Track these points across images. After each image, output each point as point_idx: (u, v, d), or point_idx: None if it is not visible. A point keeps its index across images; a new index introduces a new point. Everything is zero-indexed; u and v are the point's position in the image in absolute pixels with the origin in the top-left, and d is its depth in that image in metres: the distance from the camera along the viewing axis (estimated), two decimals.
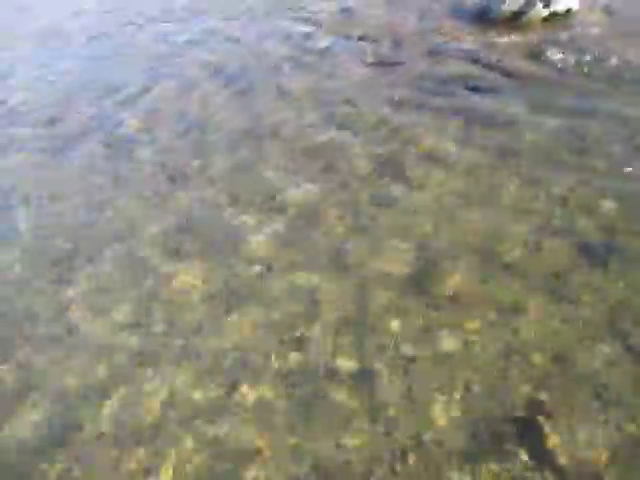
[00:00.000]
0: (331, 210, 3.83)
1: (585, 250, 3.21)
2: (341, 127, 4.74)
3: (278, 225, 3.77)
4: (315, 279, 3.31)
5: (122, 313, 3.33)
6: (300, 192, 4.04)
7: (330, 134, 4.66)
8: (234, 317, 3.16)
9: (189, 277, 3.49)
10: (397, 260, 3.35)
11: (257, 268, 3.46)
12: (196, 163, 4.60)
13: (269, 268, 3.45)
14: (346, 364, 2.82)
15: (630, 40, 5.39)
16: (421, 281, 3.19)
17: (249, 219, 3.87)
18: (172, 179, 4.46)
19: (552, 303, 2.94)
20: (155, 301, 3.37)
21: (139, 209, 4.18)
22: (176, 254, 3.68)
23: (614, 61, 5.07)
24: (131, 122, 5.43)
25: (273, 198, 4.04)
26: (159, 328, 3.20)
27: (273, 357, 2.91)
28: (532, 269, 3.15)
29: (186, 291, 3.40)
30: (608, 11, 6.13)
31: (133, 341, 3.15)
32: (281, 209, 3.92)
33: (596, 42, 5.42)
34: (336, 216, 3.77)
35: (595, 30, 5.67)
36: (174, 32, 7.60)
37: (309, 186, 4.08)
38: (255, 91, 5.60)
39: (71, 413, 2.82)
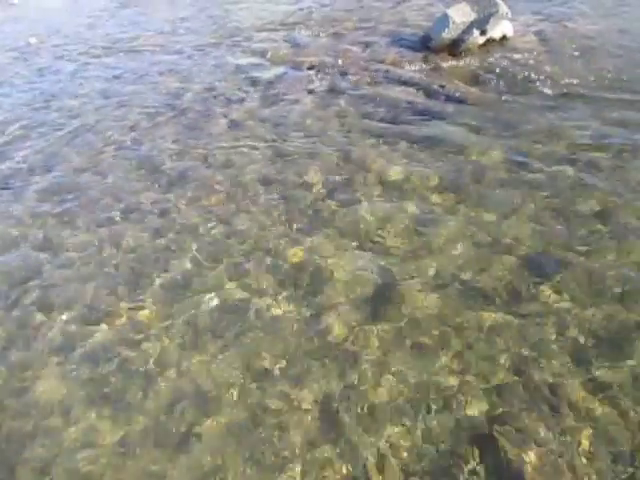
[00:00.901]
0: (281, 240, 3.86)
1: (532, 264, 3.35)
2: (292, 156, 4.81)
3: (233, 258, 3.78)
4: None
5: None
6: (251, 223, 4.05)
7: (281, 163, 4.72)
8: None
9: None
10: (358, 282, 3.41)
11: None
12: (148, 197, 4.56)
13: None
14: None
15: (560, 62, 5.73)
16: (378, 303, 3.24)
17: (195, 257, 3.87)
18: (125, 213, 4.40)
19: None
20: None
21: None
22: None
23: (548, 81, 5.36)
24: (73, 159, 5.32)
25: (226, 224, 4.06)
26: None
27: None
28: (483, 284, 3.26)
29: None
30: (540, 36, 6.50)
31: None
32: (228, 242, 3.92)
33: (530, 65, 5.73)
34: (289, 251, 3.81)
35: (528, 54, 5.99)
36: (121, 67, 7.58)
37: (261, 217, 4.10)
38: (205, 123, 5.62)
39: None
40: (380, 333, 3.05)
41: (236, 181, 4.57)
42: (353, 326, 3.12)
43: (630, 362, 2.75)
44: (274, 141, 5.10)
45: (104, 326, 3.36)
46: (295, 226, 3.95)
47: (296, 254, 3.69)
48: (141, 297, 3.53)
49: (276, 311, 3.29)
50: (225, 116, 5.70)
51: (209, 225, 4.09)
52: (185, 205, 4.38)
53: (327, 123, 5.29)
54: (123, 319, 3.39)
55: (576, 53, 5.91)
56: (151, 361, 3.09)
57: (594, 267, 3.28)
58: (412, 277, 3.38)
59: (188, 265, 3.73)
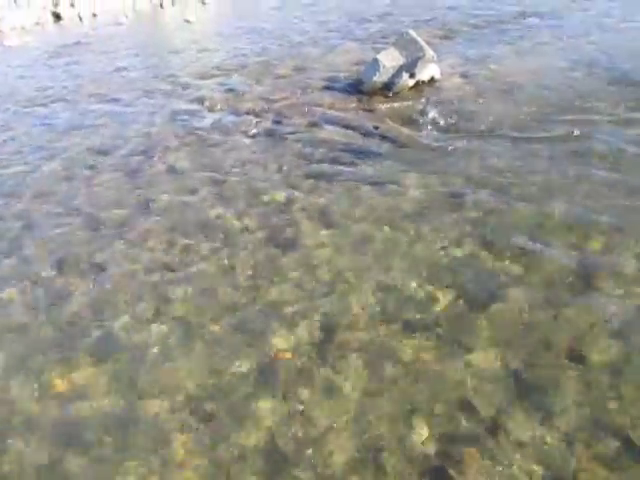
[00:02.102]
0: (226, 288, 3.83)
1: (468, 298, 3.46)
2: (232, 200, 4.81)
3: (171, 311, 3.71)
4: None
5: None
6: (193, 270, 4.00)
7: (221, 208, 4.71)
8: None
9: None
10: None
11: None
12: (86, 250, 4.44)
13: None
14: None
15: (485, 101, 6.08)
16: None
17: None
18: (61, 267, 4.26)
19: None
20: None
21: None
22: None
23: (475, 120, 5.65)
24: (2, 211, 5.15)
25: (168, 271, 3.99)
26: None
27: None
28: (428, 317, 3.32)
29: None
30: (465, 77, 6.87)
31: None
32: (170, 291, 3.86)
33: (458, 105, 6.03)
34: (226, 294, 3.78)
35: (456, 94, 6.32)
36: (54, 116, 7.45)
37: (203, 264, 4.05)
38: (143, 171, 5.56)
39: None
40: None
41: (177, 227, 4.52)
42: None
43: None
44: (214, 186, 5.10)
45: (40, 391, 3.19)
46: (239, 272, 3.93)
47: (241, 302, 3.65)
48: (76, 354, 3.38)
49: (212, 350, 3.23)
50: (163, 163, 5.67)
51: (149, 274, 4.01)
52: (124, 254, 4.28)
53: (266, 167, 5.34)
54: (59, 382, 3.24)
55: (499, 93, 6.27)
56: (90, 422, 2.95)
57: (525, 295, 3.41)
58: (358, 313, 3.41)
59: (127, 319, 3.62)
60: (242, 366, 3.15)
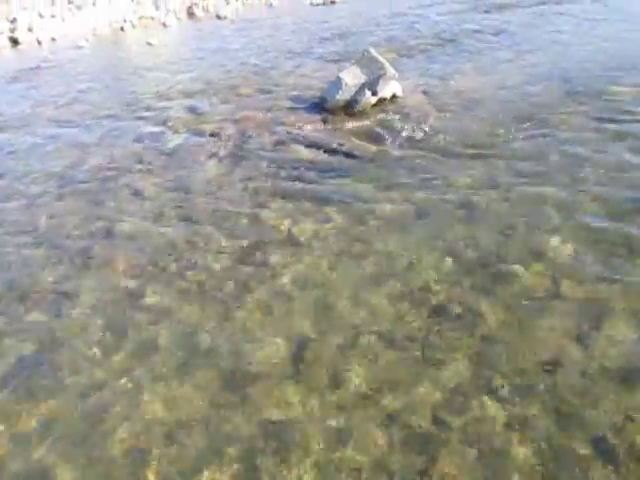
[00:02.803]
0: (191, 314, 3.76)
1: (438, 311, 3.49)
2: (200, 223, 4.76)
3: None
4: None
5: None
6: (162, 296, 3.93)
7: (189, 231, 4.66)
8: None
9: None
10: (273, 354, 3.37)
11: None
12: (47, 276, 4.32)
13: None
14: None
15: (447, 117, 6.20)
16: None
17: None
18: (21, 297, 4.13)
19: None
20: None
21: None
22: None
23: (438, 135, 5.76)
24: None
25: (135, 298, 3.90)
26: None
27: None
28: (399, 333, 3.33)
29: None
30: (427, 94, 7.00)
31: None
32: (137, 319, 3.78)
33: (420, 121, 6.14)
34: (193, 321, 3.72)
35: (417, 110, 6.43)
36: (14, 142, 7.29)
37: (171, 289, 3.98)
38: (107, 196, 5.46)
39: None
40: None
41: (144, 252, 4.45)
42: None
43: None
44: (180, 208, 5.05)
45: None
46: (209, 295, 3.87)
47: (210, 326, 3.60)
48: (37, 387, 3.27)
49: (175, 387, 3.16)
50: (128, 187, 5.59)
51: (116, 302, 3.92)
52: (89, 282, 4.18)
53: (233, 187, 5.32)
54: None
55: (460, 108, 6.41)
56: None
57: (500, 310, 3.45)
58: (329, 333, 3.39)
59: (94, 350, 3.52)
60: (213, 393, 3.10)
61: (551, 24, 9.76)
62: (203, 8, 14.91)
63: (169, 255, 4.36)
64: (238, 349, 3.37)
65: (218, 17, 13.85)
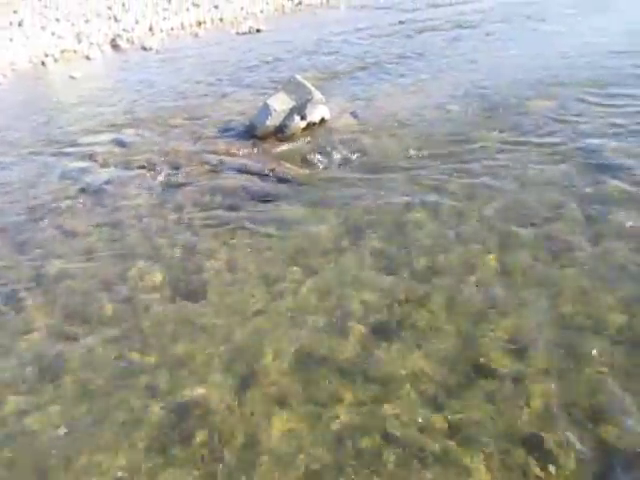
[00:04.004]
0: (129, 353, 3.66)
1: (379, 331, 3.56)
2: (133, 258, 4.65)
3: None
4: None
5: None
6: (94, 338, 3.80)
7: (122, 267, 4.54)
8: None
9: None
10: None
11: None
12: None
13: None
14: None
15: (374, 136, 6.38)
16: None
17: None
18: None
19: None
20: None
21: None
22: None
23: (367, 155, 5.92)
24: None
25: (67, 342, 3.76)
26: None
27: None
28: (337, 356, 3.36)
29: None
30: (354, 116, 7.17)
31: None
32: (68, 364, 3.64)
33: (349, 142, 6.29)
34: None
35: (346, 133, 6.58)
36: None
37: (106, 329, 3.86)
38: (33, 237, 5.25)
39: None
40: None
41: (74, 294, 4.29)
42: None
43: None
44: (112, 245, 4.92)
45: None
46: (146, 333, 3.78)
47: (146, 365, 3.51)
48: None
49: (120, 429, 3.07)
50: (55, 226, 5.40)
51: (48, 347, 3.76)
52: (16, 326, 3.99)
53: (166, 219, 5.24)
54: None
55: (387, 128, 6.60)
56: None
57: (434, 318, 3.55)
58: (270, 356, 3.39)
59: (22, 404, 3.35)
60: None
61: (468, 46, 10.26)
62: (128, 40, 14.74)
63: (103, 294, 4.24)
64: (179, 387, 3.30)
65: (143, 48, 13.72)
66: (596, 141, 5.62)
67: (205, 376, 3.34)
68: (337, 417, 2.97)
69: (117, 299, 4.17)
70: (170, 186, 5.88)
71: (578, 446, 2.69)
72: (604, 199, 4.60)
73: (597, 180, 4.90)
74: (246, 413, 3.06)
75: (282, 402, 3.10)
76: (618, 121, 6.03)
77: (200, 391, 3.23)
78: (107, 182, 6.22)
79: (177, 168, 6.26)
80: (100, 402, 3.26)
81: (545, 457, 2.66)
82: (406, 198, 4.99)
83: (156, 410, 3.15)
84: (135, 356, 3.59)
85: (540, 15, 11.97)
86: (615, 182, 4.82)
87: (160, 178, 6.09)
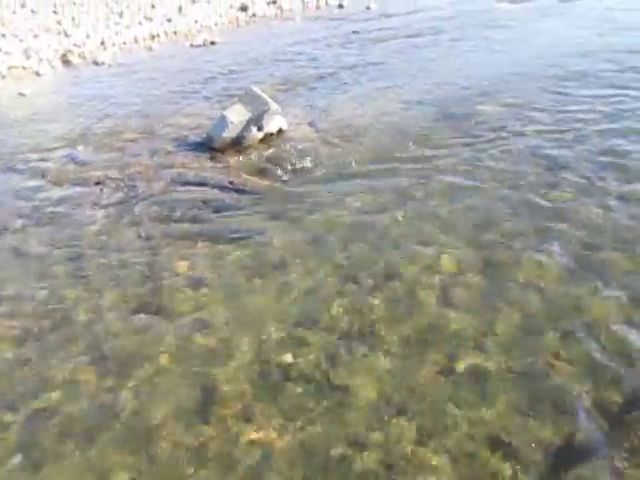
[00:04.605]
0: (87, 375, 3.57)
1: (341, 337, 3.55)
2: (90, 280, 4.52)
3: None
4: None
5: None
6: (47, 363, 3.67)
7: (79, 289, 4.41)
8: None
9: None
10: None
11: None
12: None
13: None
14: None
15: (331, 145, 6.43)
16: None
17: None
18: None
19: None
20: None
21: None
22: None
23: (325, 164, 5.95)
24: None
25: (23, 368, 3.63)
26: None
27: None
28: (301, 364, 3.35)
29: None
30: (312, 125, 7.21)
31: None
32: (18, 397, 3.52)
33: (307, 151, 6.31)
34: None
35: (304, 142, 6.61)
36: None
37: (60, 352, 3.75)
38: None
39: None
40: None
41: (28, 318, 4.14)
42: None
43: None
44: (68, 265, 4.78)
45: None
46: (106, 356, 3.68)
47: (105, 386, 3.42)
48: None
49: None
50: (6, 247, 5.21)
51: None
52: None
53: (124, 235, 5.13)
54: None
55: (344, 137, 6.67)
56: None
57: (399, 323, 3.58)
58: (236, 370, 3.35)
59: None
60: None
61: (421, 54, 10.47)
62: (79, 55, 14.44)
63: (58, 317, 4.10)
64: (142, 408, 3.22)
65: (96, 63, 13.45)
66: (543, 143, 5.84)
67: (168, 394, 3.27)
68: (303, 427, 2.95)
69: (72, 323, 4.04)
70: (127, 202, 5.76)
71: (542, 443, 2.74)
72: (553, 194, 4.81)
73: (542, 175, 5.15)
74: (210, 427, 3.01)
75: (247, 415, 3.06)
76: (566, 120, 6.28)
77: (162, 413, 3.16)
78: (61, 200, 6.04)
79: (133, 183, 6.15)
80: (61, 426, 3.15)
81: (510, 455, 2.70)
82: (365, 205, 5.04)
83: (117, 427, 3.07)
84: (91, 377, 3.49)
85: (492, 23, 12.32)
86: (559, 174, 5.11)
87: (116, 194, 5.96)
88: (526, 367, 3.19)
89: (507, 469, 2.65)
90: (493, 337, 3.42)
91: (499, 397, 3.02)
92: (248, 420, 3.03)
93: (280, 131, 6.90)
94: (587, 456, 2.68)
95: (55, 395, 3.38)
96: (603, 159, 5.42)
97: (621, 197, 4.76)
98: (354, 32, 13.04)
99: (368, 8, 16.06)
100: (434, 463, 2.71)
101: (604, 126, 6.17)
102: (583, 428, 2.79)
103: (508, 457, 2.70)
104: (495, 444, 2.77)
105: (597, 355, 3.20)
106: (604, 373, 3.09)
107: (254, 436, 2.93)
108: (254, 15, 16.93)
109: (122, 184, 6.17)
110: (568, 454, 2.70)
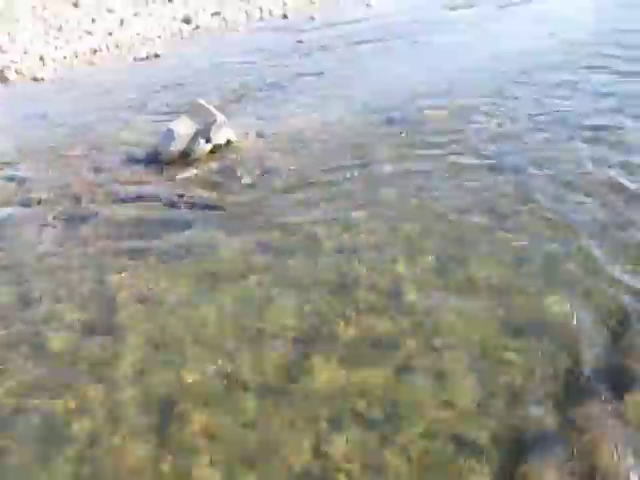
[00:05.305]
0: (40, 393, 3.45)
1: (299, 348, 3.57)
2: (38, 302, 4.37)
3: None
4: None
5: None
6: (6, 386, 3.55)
7: (27, 312, 4.26)
8: None
9: None
10: None
11: None
12: None
13: None
14: None
15: (280, 155, 6.45)
16: None
17: None
18: None
19: None
20: None
21: None
22: None
23: (274, 175, 5.96)
24: None
25: None
26: None
27: None
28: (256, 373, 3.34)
29: None
30: (260, 136, 7.22)
31: None
32: None
33: (256, 162, 6.32)
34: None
35: (252, 153, 6.62)
36: None
37: (20, 376, 3.63)
38: None
39: None
40: None
41: None
42: None
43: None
44: (13, 288, 4.61)
45: None
46: (57, 378, 3.58)
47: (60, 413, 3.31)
48: None
49: None
50: None
51: None
52: None
53: (70, 254, 4.99)
54: None
55: (292, 147, 6.70)
56: None
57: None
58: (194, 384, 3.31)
59: None
60: None
61: (365, 62, 10.65)
62: (17, 71, 14.00)
63: (7, 344, 3.95)
64: (97, 436, 3.14)
65: (35, 79, 13.06)
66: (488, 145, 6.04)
67: (122, 419, 3.20)
68: (266, 439, 2.94)
69: (26, 342, 3.91)
70: (72, 221, 5.59)
71: (500, 437, 2.82)
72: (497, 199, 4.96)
73: (490, 178, 5.33)
74: (171, 449, 2.96)
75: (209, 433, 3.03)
76: (505, 123, 6.52)
77: (118, 440, 3.08)
78: (3, 221, 5.83)
79: (78, 201, 5.98)
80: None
81: (469, 452, 2.76)
82: (316, 214, 5.07)
83: (70, 454, 2.98)
84: (42, 403, 3.38)
85: (435, 29, 12.67)
86: (502, 177, 5.33)
87: (61, 213, 5.79)
88: (478, 362, 3.27)
89: (464, 465, 2.70)
90: (444, 336, 3.50)
91: (455, 395, 3.08)
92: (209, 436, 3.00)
93: (228, 142, 6.87)
94: (539, 450, 2.76)
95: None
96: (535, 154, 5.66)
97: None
98: (299, 42, 13.14)
99: (312, 18, 16.21)
100: (394, 464, 2.75)
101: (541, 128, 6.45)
102: (535, 422, 2.88)
103: (465, 453, 2.76)
104: (453, 441, 2.82)
105: (548, 348, 3.32)
106: (555, 365, 3.20)
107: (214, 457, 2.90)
108: (198, 27, 16.81)
109: (68, 202, 6.00)
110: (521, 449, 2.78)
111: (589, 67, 8.34)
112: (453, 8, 15.28)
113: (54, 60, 14.67)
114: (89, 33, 16.34)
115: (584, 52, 9.12)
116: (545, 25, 11.68)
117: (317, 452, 2.84)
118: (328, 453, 2.82)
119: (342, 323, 3.70)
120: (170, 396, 3.29)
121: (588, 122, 6.38)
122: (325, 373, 3.32)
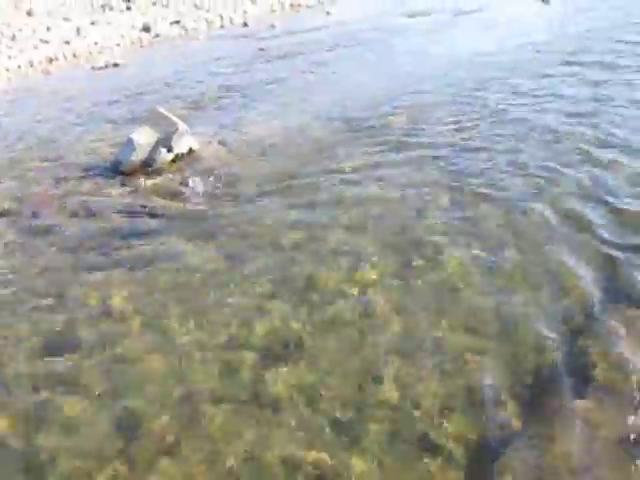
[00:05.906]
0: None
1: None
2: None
3: None
4: None
5: None
6: None
7: None
8: None
9: None
10: None
11: None
12: None
13: None
14: None
15: (242, 163, 6.47)
16: None
17: None
18: None
19: None
20: None
21: None
22: None
23: (237, 182, 5.97)
24: None
25: None
26: None
27: None
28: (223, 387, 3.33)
29: None
30: (222, 144, 7.21)
31: None
32: None
33: (218, 170, 6.31)
34: None
35: (215, 161, 6.61)
36: None
37: None
38: None
39: None
40: None
41: None
42: None
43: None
44: None
45: None
46: (12, 394, 3.50)
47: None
48: None
49: None
50: None
51: None
52: None
53: (29, 269, 4.87)
54: None
55: (255, 154, 6.74)
56: None
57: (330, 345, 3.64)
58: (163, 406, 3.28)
59: None
60: None
61: (327, 69, 10.75)
62: None
63: None
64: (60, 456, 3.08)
65: None
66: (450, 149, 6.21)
67: (86, 434, 3.15)
68: (233, 452, 2.93)
69: None
70: (31, 234, 5.45)
71: (464, 437, 2.88)
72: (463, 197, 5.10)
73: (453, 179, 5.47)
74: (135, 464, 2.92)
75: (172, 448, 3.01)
76: (465, 127, 6.69)
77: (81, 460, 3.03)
78: None
79: (37, 214, 5.85)
80: None
81: (435, 452, 2.81)
82: (280, 222, 5.08)
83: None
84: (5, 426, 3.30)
85: (392, 37, 12.88)
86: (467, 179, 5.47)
87: (19, 227, 5.64)
88: (445, 365, 3.34)
89: (432, 467, 2.75)
90: (414, 340, 3.56)
91: (424, 399, 3.13)
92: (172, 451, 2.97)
93: (191, 151, 6.83)
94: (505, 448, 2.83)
95: None
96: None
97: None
98: (260, 49, 13.17)
99: (273, 26, 16.27)
100: (362, 469, 2.78)
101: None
102: (500, 421, 2.96)
103: (433, 456, 2.80)
104: (421, 444, 2.87)
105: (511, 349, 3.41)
106: (518, 366, 3.29)
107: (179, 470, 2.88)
108: (158, 35, 16.66)
109: (25, 215, 5.86)
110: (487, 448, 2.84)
111: (534, 67, 8.84)
112: (411, 15, 15.59)
113: (7, 70, 14.31)
114: (45, 42, 16.01)
115: (529, 54, 9.74)
116: (496, 30, 12.16)
117: (285, 460, 2.85)
118: (296, 459, 2.84)
119: (309, 329, 3.72)
120: (129, 414, 3.25)
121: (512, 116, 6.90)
122: (292, 381, 3.33)
